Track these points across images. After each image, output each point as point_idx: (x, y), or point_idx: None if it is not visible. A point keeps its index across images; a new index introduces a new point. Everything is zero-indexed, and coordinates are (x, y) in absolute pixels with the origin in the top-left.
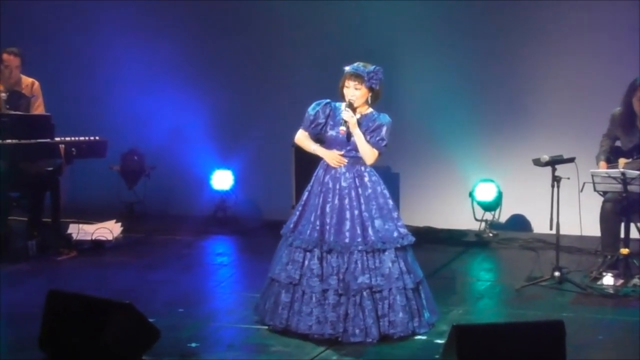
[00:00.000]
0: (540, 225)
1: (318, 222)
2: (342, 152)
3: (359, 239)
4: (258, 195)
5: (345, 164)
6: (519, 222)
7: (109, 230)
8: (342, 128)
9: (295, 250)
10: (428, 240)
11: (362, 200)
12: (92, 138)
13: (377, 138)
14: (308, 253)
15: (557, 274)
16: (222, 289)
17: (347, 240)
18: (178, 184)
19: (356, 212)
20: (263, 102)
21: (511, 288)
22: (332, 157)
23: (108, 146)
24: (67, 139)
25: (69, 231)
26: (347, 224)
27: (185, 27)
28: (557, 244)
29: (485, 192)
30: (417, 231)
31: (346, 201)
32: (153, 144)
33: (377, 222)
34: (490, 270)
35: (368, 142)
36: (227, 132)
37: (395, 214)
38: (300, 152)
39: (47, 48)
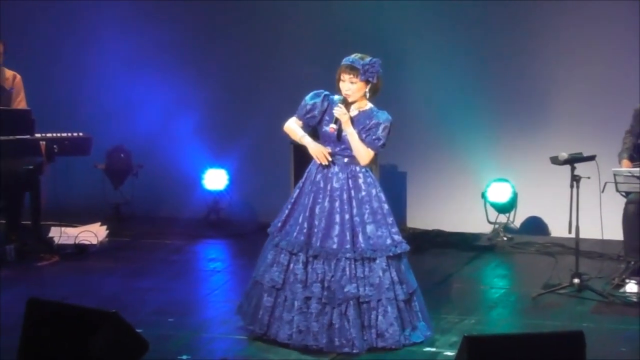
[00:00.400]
0: (558, 229)
1: (306, 224)
2: (337, 150)
3: (348, 246)
4: (254, 196)
5: (339, 162)
6: (536, 225)
7: (93, 233)
8: (333, 125)
9: (280, 252)
10: (437, 244)
11: (354, 204)
12: (75, 134)
13: (373, 137)
14: (293, 256)
15: (576, 281)
16: (215, 298)
17: (334, 246)
18: (168, 184)
19: (347, 216)
20: (260, 97)
21: (527, 296)
22: (317, 151)
23: (93, 143)
24: (49, 135)
25: (51, 235)
26: (336, 229)
27: (177, 18)
28: (576, 248)
29: (499, 192)
30: (425, 234)
31: (337, 204)
32: (141, 141)
33: (369, 228)
34: (504, 277)
35: (363, 141)
36: (221, 128)
37: (390, 220)
38: (299, 149)
39: (30, 41)
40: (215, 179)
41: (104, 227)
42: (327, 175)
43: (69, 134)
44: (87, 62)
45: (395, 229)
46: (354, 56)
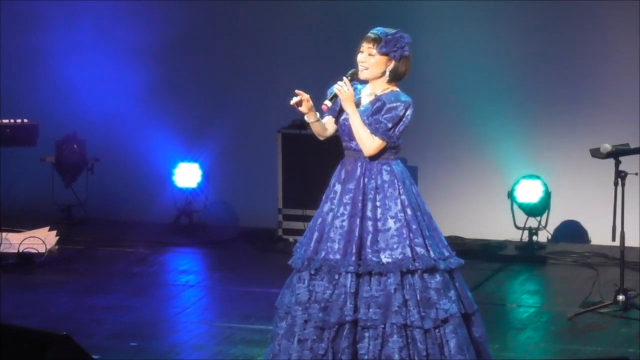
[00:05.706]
0: (599, 235)
1: (315, 235)
2: (353, 145)
3: (352, 258)
4: (234, 196)
5: (357, 160)
6: (572, 231)
7: (40, 240)
8: (327, 102)
9: (293, 271)
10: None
11: (369, 207)
12: (19, 121)
13: (377, 121)
14: (297, 274)
15: (621, 298)
16: (187, 317)
17: (337, 257)
18: (130, 181)
19: (357, 221)
20: (240, 78)
21: (562, 316)
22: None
23: (39, 131)
24: None
25: None
26: (344, 237)
27: None
28: (621, 259)
29: (529, 191)
30: None
31: (349, 208)
32: (97, 130)
33: (383, 236)
34: (535, 293)
35: (368, 125)
36: (193, 114)
37: (413, 226)
38: (289, 140)
39: None
40: (188, 175)
41: (53, 232)
42: (342, 177)
43: (11, 121)
44: (33, 38)
45: (419, 239)
46: (382, 28)
